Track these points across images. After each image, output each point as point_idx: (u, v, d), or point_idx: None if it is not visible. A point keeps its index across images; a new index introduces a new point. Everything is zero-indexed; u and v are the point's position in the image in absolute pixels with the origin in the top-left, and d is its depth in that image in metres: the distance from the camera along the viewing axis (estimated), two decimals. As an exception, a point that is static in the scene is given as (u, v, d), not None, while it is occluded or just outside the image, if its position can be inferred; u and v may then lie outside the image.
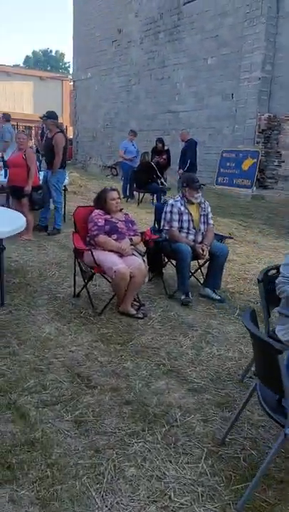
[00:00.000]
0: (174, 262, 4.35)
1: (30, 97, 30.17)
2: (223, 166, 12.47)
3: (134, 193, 10.22)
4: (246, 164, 11.70)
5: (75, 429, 2.36)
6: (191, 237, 4.19)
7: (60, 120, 6.55)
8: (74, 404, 2.55)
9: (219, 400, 2.69)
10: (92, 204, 4.21)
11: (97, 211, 3.92)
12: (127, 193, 10.27)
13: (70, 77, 28.79)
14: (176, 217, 4.17)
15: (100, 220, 3.83)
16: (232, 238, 5.19)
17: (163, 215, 4.28)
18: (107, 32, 18.13)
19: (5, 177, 6.55)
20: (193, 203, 4.24)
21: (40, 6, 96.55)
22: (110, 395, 2.66)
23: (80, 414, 2.48)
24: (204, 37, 13.34)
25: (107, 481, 2.02)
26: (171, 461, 2.17)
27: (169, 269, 4.65)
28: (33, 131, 22.74)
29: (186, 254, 3.97)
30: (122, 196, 4.41)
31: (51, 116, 6.20)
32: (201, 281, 4.47)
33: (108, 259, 3.65)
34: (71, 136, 22.59)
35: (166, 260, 4.46)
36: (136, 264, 3.68)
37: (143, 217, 7.96)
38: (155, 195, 9.72)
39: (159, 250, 4.34)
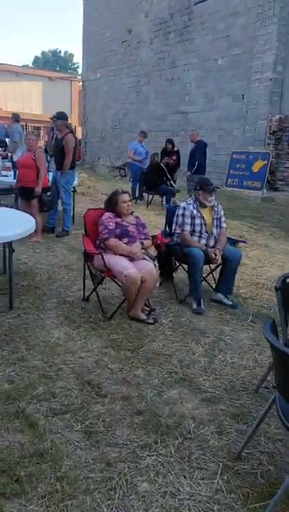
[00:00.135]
0: (185, 265, 4.26)
1: (39, 97, 30.22)
2: (233, 168, 12.35)
3: (144, 194, 10.14)
4: (256, 166, 11.57)
5: (85, 440, 2.29)
6: (204, 241, 4.10)
7: (69, 121, 6.49)
8: (84, 414, 2.48)
9: (234, 411, 2.60)
10: (101, 206, 4.14)
11: (107, 214, 3.85)
12: (136, 195, 10.19)
13: (79, 77, 28.82)
14: (188, 220, 4.08)
15: (110, 223, 3.75)
16: (245, 242, 5.09)
17: (175, 219, 4.19)
18: (117, 32, 18.09)
19: (14, 178, 6.51)
20: (206, 207, 4.15)
21: (51, 6, 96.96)
22: (121, 404, 2.58)
23: (90, 424, 2.40)
24: (215, 37, 13.23)
25: (119, 496, 1.94)
26: (185, 476, 2.09)
27: (180, 273, 4.56)
28: (42, 132, 22.75)
29: (199, 258, 3.88)
30: (130, 198, 4.34)
31: (61, 116, 6.14)
32: (213, 286, 4.38)
33: (119, 263, 3.57)
34: (80, 137, 22.61)
35: (178, 264, 4.37)
36: (147, 268, 3.60)
37: (152, 220, 7.88)
38: (164, 197, 9.63)
39: (170, 254, 4.26)
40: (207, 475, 2.11)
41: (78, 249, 5.36)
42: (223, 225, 4.26)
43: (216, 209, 4.23)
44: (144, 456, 2.20)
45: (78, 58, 54.80)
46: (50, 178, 6.40)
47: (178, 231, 4.14)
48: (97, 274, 3.81)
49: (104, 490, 1.97)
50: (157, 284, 3.84)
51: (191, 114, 14.35)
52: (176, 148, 10.35)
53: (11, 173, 7.05)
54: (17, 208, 5.88)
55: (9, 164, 7.35)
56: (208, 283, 4.45)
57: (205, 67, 13.69)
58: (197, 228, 4.09)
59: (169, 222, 4.56)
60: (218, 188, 4.21)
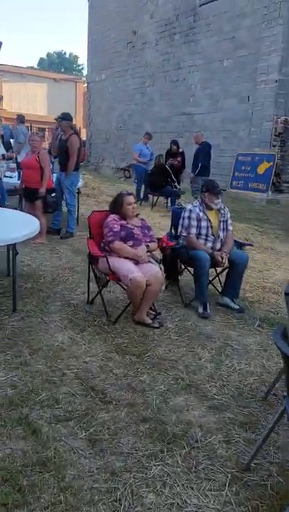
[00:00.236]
0: (190, 269, 4.20)
1: (44, 98, 30.27)
2: (238, 170, 12.28)
3: (148, 196, 10.09)
4: (262, 168, 11.49)
5: (89, 449, 2.23)
6: (210, 244, 4.03)
7: (73, 122, 6.44)
8: (88, 421, 2.42)
9: (242, 419, 2.54)
10: (106, 208, 4.09)
11: (112, 216, 3.80)
12: (141, 196, 10.14)
13: (84, 79, 28.83)
14: (194, 223, 4.02)
15: (115, 225, 3.70)
16: (252, 245, 5.01)
17: (180, 221, 4.13)
18: (122, 33, 18.07)
19: (18, 179, 6.48)
20: (212, 209, 4.08)
21: (51, 6, 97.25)
22: (126, 411, 2.52)
23: (94, 431, 2.35)
24: (220, 38, 13.17)
25: (124, 508, 1.88)
26: (192, 488, 2.02)
27: (186, 276, 4.50)
28: (46, 133, 22.76)
29: (205, 261, 3.82)
30: (136, 199, 4.29)
31: (66, 117, 6.10)
32: (219, 290, 4.32)
33: (124, 266, 3.52)
34: (84, 138, 22.58)
35: (183, 267, 4.30)
36: (152, 272, 3.54)
37: (157, 221, 7.82)
38: (169, 199, 9.57)
39: (176, 257, 4.20)
40: (215, 486, 2.04)
41: (82, 251, 5.31)
42: (230, 227, 4.19)
43: (222, 211, 4.16)
44: (150, 466, 2.14)
45: (83, 60, 54.95)
46: (54, 180, 6.35)
47: (184, 234, 4.08)
48: (101, 277, 3.76)
49: (109, 501, 1.92)
50: (163, 288, 3.77)
51: (196, 115, 14.29)
52: (180, 150, 10.30)
53: (16, 174, 7.01)
54: (21, 210, 5.83)
55: (14, 165, 7.31)
56: (215, 286, 4.38)
57: (210, 68, 13.63)
58: (203, 231, 4.03)
59: (174, 224, 4.50)
60: (224, 190, 4.14)
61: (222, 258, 3.90)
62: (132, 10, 17.33)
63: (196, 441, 2.33)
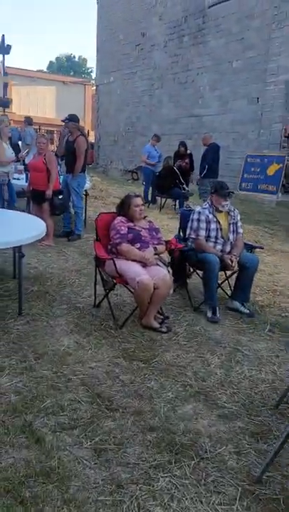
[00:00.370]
0: (199, 272, 4.11)
1: (52, 101, 30.36)
2: (248, 171, 12.14)
3: (156, 198, 10.01)
4: (271, 170, 11.35)
5: (94, 459, 2.15)
6: (219, 246, 3.94)
7: (82, 124, 6.41)
8: (93, 429, 2.35)
9: (253, 428, 2.44)
10: (114, 210, 4.02)
11: (119, 218, 3.72)
12: (149, 198, 10.08)
13: (93, 81, 28.89)
14: (203, 225, 3.93)
15: (122, 227, 3.62)
16: (262, 248, 4.91)
17: (189, 223, 4.05)
18: (131, 36, 18.06)
19: (26, 181, 6.45)
20: (221, 211, 3.99)
21: (65, 11, 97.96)
22: (133, 420, 2.44)
23: (100, 440, 2.27)
24: (229, 40, 13.08)
25: (130, 523, 1.80)
26: (201, 501, 1.94)
27: (195, 280, 4.42)
28: (55, 135, 22.81)
29: (214, 264, 3.73)
30: (144, 201, 4.22)
31: (73, 119, 6.05)
32: (229, 293, 4.22)
33: (131, 269, 3.44)
34: (93, 140, 22.59)
35: (192, 270, 4.21)
36: (160, 275, 3.46)
37: (165, 223, 7.74)
38: (177, 201, 9.48)
39: (184, 260, 4.11)
40: (225, 500, 1.95)
41: (90, 253, 5.25)
42: (240, 230, 4.10)
43: (232, 214, 4.07)
44: (157, 478, 2.05)
45: (92, 63, 55.08)
46: (61, 181, 6.31)
47: (192, 236, 3.99)
48: (108, 280, 3.68)
49: (115, 515, 1.84)
50: (171, 291, 3.69)
51: (205, 117, 14.20)
52: (189, 151, 10.21)
53: (23, 176, 6.98)
54: (29, 212, 5.79)
55: (21, 167, 7.28)
56: (224, 290, 4.29)
57: (219, 70, 13.54)
58: (212, 233, 3.94)
59: (183, 227, 4.42)
60: (233, 193, 4.04)
61: (232, 261, 3.81)
62: (140, 12, 17.32)
63: (205, 451, 2.24)
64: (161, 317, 3.68)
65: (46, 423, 2.37)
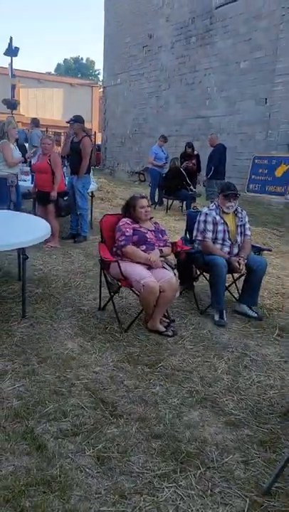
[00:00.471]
0: (206, 274, 4.03)
1: (60, 103, 30.43)
2: (255, 173, 12.05)
3: (163, 199, 9.95)
4: (279, 171, 11.24)
5: (97, 467, 2.09)
6: (226, 249, 3.86)
7: (89, 126, 6.36)
8: (97, 436, 2.28)
9: (261, 437, 2.36)
10: (120, 211, 3.95)
11: (124, 220, 3.66)
12: (155, 200, 10.02)
13: (100, 83, 28.92)
14: (210, 227, 3.86)
15: (127, 229, 3.56)
16: (270, 250, 4.82)
17: (196, 225, 3.97)
18: (138, 37, 18.04)
19: (32, 182, 6.41)
20: (229, 212, 3.92)
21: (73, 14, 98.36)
22: (137, 426, 2.37)
23: (103, 448, 2.20)
24: (237, 40, 13.00)
25: (134, 536, 1.74)
26: (207, 514, 1.86)
27: (201, 282, 4.34)
28: (62, 137, 22.85)
29: (221, 267, 3.65)
30: (150, 203, 4.15)
31: (78, 120, 6.01)
32: (236, 296, 4.14)
33: (136, 271, 3.37)
34: (99, 142, 22.58)
35: (199, 273, 4.13)
36: (166, 277, 3.39)
37: (172, 225, 7.68)
38: (184, 202, 9.41)
39: (191, 262, 4.04)
40: (232, 512, 1.88)
41: (95, 255, 5.19)
42: (248, 232, 4.01)
43: (239, 215, 3.99)
44: (161, 488, 1.98)
45: (99, 65, 55.23)
46: (67, 183, 6.26)
47: (199, 238, 3.92)
48: (113, 283, 3.62)
49: (117, 527, 1.77)
50: (177, 294, 3.61)
51: (212, 118, 14.12)
52: (196, 152, 10.13)
53: (29, 177, 6.95)
54: (35, 214, 5.76)
55: (27, 169, 7.25)
56: (231, 293, 4.21)
57: (226, 70, 13.46)
58: (220, 235, 3.87)
59: (189, 228, 4.35)
60: (238, 194, 3.95)
61: (239, 264, 3.73)
62: (147, 14, 17.30)
63: (211, 460, 2.17)
64: (167, 320, 3.61)
65: (48, 429, 2.31)
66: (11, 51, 15.84)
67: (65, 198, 5.81)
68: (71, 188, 6.13)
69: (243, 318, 3.90)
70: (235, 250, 3.89)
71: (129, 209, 3.71)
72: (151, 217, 3.82)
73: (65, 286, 4.39)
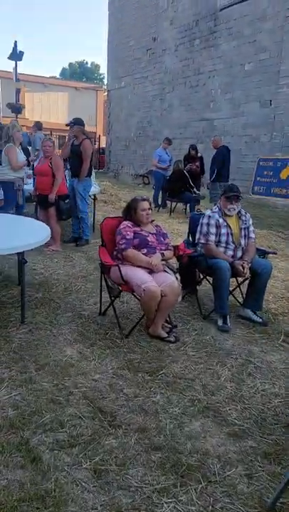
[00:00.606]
0: (209, 278, 3.94)
1: (65, 107, 30.50)
2: (260, 175, 11.93)
3: (167, 202, 9.87)
4: (285, 173, 11.12)
5: (93, 481, 2.00)
6: (230, 252, 3.77)
7: (94, 130, 6.30)
8: (94, 448, 2.20)
9: (265, 448, 2.26)
10: (121, 214, 3.87)
11: (125, 223, 3.58)
12: (159, 202, 9.94)
13: (105, 87, 28.95)
14: (213, 230, 3.77)
15: (128, 232, 3.48)
16: (275, 253, 4.71)
17: (199, 228, 3.89)
18: (142, 40, 18.02)
19: (33, 186, 6.35)
20: (232, 215, 3.83)
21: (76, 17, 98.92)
22: (136, 437, 2.29)
23: (100, 460, 2.12)
24: (241, 42, 12.92)
25: None
26: (208, 532, 1.77)
27: (204, 286, 4.25)
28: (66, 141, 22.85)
29: (225, 271, 3.56)
30: (153, 205, 4.08)
31: (78, 122, 5.95)
32: (240, 301, 4.04)
33: (137, 275, 3.29)
34: (103, 145, 22.57)
35: (202, 277, 4.04)
36: (168, 281, 3.30)
37: (175, 228, 7.60)
38: (188, 205, 9.32)
39: (194, 266, 3.95)
40: (235, 531, 1.78)
41: (97, 258, 5.08)
42: (252, 235, 3.92)
43: (243, 218, 3.90)
44: (160, 504, 1.89)
45: (104, 69, 55.44)
46: (68, 186, 6.20)
47: (202, 241, 3.83)
48: (114, 287, 3.53)
49: None
50: (179, 299, 3.52)
51: (217, 120, 14.04)
52: (199, 155, 10.05)
53: (31, 180, 6.90)
54: (37, 217, 5.70)
55: (30, 172, 7.20)
56: (235, 298, 4.11)
57: (231, 73, 13.38)
58: (223, 238, 3.78)
59: (192, 231, 4.26)
60: (240, 197, 3.85)
61: (243, 268, 3.63)
62: (151, 17, 17.28)
63: (213, 474, 2.08)
64: (169, 326, 3.52)
65: (44, 440, 2.23)
66: (16, 55, 15.85)
67: (66, 201, 5.74)
68: (72, 190, 6.07)
69: (247, 323, 3.80)
70: (239, 253, 3.80)
71: (130, 212, 3.63)
72: (153, 220, 3.74)
73: (66, 291, 4.31)
